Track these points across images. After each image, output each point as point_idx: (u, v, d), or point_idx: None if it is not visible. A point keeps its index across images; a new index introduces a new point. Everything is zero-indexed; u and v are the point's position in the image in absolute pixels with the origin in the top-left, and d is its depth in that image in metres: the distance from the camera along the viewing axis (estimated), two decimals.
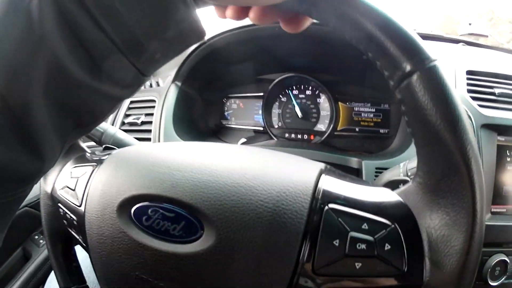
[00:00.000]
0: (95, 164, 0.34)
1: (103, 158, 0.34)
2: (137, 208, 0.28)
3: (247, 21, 0.26)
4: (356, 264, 0.23)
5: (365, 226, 0.23)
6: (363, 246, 0.23)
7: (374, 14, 0.22)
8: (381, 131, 0.79)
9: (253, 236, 0.24)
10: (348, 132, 0.79)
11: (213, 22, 0.76)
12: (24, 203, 0.80)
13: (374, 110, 0.78)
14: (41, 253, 0.84)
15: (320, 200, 0.25)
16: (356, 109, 0.79)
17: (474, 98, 0.57)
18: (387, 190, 0.26)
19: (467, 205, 0.21)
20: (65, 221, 0.35)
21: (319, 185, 0.25)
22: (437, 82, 0.21)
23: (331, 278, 0.23)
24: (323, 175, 0.27)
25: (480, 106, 0.56)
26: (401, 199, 0.25)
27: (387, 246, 0.23)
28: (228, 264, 0.25)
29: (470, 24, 0.95)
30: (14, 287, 0.80)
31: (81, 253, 0.41)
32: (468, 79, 0.59)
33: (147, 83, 0.85)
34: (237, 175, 0.27)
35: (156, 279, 0.27)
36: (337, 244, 0.23)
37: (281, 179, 0.26)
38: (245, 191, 0.26)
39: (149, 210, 0.27)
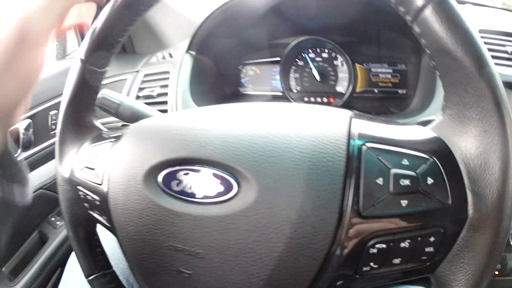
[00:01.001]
0: (114, 139, 0.32)
1: (121, 133, 0.33)
2: (165, 174, 0.27)
3: None
4: (402, 201, 0.22)
5: (405, 161, 0.23)
6: (407, 181, 0.22)
7: None
8: (400, 91, 0.78)
9: (294, 184, 0.23)
10: (367, 94, 0.79)
11: None
12: (39, 185, 0.79)
13: (391, 70, 0.78)
14: (58, 235, 0.82)
15: (357, 140, 0.24)
16: (373, 70, 0.78)
17: None
18: (420, 127, 0.26)
19: (499, 131, 0.21)
20: (86, 204, 0.34)
21: (352, 127, 0.25)
22: (451, 13, 0.22)
23: (378, 219, 0.23)
24: (353, 119, 0.26)
25: (495, 64, 0.56)
26: (435, 133, 0.25)
27: (430, 180, 0.22)
28: (270, 217, 0.24)
29: None
30: (31, 271, 0.78)
31: (104, 238, 0.39)
32: (480, 37, 0.59)
33: (159, 55, 0.84)
34: (267, 125, 0.26)
35: (193, 246, 0.26)
36: (380, 183, 0.23)
37: (312, 125, 0.25)
38: (279, 140, 0.25)
39: (178, 175, 0.26)
